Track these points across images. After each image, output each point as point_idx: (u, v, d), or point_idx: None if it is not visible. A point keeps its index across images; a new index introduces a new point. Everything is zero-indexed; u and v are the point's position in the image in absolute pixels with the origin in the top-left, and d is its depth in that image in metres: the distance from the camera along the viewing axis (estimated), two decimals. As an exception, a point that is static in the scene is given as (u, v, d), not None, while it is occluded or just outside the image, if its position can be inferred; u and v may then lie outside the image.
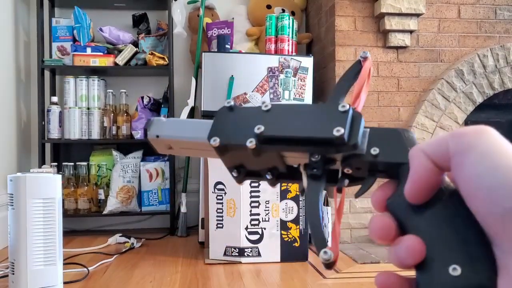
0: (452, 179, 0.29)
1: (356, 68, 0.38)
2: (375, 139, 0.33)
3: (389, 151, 0.33)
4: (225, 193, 2.15)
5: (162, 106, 2.90)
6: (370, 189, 0.35)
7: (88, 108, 2.81)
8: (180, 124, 0.40)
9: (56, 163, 2.76)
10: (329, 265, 0.30)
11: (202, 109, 2.48)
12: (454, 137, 0.27)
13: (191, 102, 2.70)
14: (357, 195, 0.35)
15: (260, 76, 2.48)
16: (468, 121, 2.73)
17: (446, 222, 0.28)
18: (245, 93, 2.48)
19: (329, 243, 0.31)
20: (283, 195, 2.17)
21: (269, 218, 2.16)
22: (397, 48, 2.59)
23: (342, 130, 0.32)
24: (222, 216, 2.15)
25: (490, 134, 0.27)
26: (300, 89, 2.53)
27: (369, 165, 0.34)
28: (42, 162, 2.74)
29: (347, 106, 0.34)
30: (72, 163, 2.75)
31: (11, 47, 2.72)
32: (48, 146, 2.85)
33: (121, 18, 2.99)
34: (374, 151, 0.33)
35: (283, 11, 2.91)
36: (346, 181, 0.35)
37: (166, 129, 0.40)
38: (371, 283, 1.84)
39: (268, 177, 0.37)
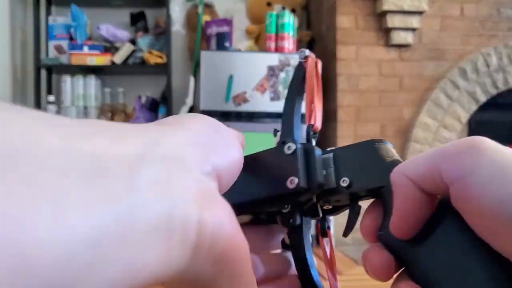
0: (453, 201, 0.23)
1: (299, 74, 0.32)
2: (342, 164, 0.27)
3: (364, 176, 0.27)
4: (224, 194, 2.12)
5: (160, 105, 2.87)
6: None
7: (85, 107, 2.78)
8: None
9: (52, 163, 2.73)
10: None
11: (201, 109, 2.44)
12: (446, 159, 0.22)
13: (189, 101, 2.67)
14: (345, 234, 0.31)
15: (260, 74, 2.45)
16: (471, 121, 2.70)
17: (451, 253, 0.22)
18: (245, 92, 2.44)
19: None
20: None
21: (269, 219, 2.13)
22: (399, 46, 2.56)
23: (296, 180, 0.26)
24: (221, 218, 2.12)
25: (489, 147, 0.21)
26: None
27: (347, 195, 0.28)
28: (38, 162, 2.71)
29: (293, 146, 0.28)
30: (69, 163, 2.72)
31: (7, 45, 2.69)
32: (44, 146, 2.82)
33: (119, 16, 2.96)
34: (344, 182, 0.27)
35: (284, 8, 2.87)
36: (330, 220, 0.31)
37: None
38: (372, 285, 1.80)
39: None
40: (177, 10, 2.78)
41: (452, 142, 0.22)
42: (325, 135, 2.64)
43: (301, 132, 0.30)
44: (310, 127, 0.31)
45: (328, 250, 0.32)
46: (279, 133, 0.30)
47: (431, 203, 0.23)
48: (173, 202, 0.17)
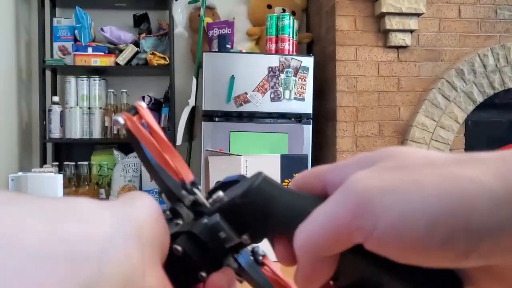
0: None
1: (131, 138, 0.28)
2: (236, 221, 0.26)
3: (261, 228, 0.27)
4: (225, 193, 2.15)
5: (163, 105, 2.90)
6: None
7: (89, 108, 2.82)
8: None
9: (57, 163, 2.77)
10: None
11: (203, 109, 2.48)
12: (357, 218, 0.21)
13: (192, 102, 2.70)
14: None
15: (261, 75, 2.49)
16: (468, 121, 2.73)
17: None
18: (246, 93, 2.48)
19: None
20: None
21: (269, 217, 2.16)
22: (397, 47, 2.60)
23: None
24: (222, 216, 2.15)
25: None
26: (301, 88, 2.53)
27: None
28: (43, 162, 2.75)
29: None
30: (73, 163, 2.75)
31: (12, 47, 2.73)
32: (49, 146, 2.86)
33: (122, 18, 3.00)
34: (245, 239, 0.27)
35: (284, 10, 2.91)
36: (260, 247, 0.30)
37: None
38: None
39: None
40: (180, 12, 2.82)
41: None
42: (325, 135, 2.68)
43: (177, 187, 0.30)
44: (183, 183, 0.29)
45: (276, 272, 0.30)
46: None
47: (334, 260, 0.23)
48: (130, 273, 0.21)
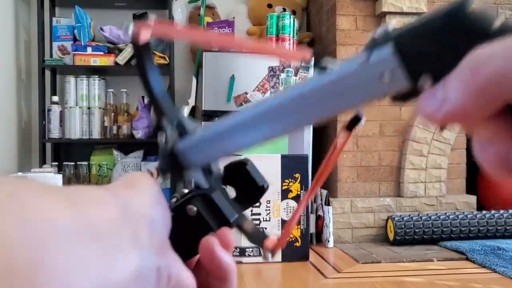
0: None
1: (139, 58, 0.36)
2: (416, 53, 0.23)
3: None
4: (226, 193, 2.15)
5: (163, 105, 2.89)
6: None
7: (89, 108, 2.81)
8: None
9: (56, 163, 2.76)
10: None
11: (203, 109, 2.47)
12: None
13: (192, 102, 2.70)
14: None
15: (261, 75, 2.48)
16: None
17: None
18: (246, 93, 2.47)
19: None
20: (284, 195, 2.16)
21: (270, 218, 2.16)
22: (398, 47, 2.58)
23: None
24: (223, 216, 2.15)
25: None
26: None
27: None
28: (42, 162, 2.74)
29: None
30: (73, 163, 2.75)
31: (11, 46, 2.72)
32: (48, 146, 2.85)
33: (122, 18, 2.99)
34: (423, 84, 0.23)
35: (284, 10, 2.91)
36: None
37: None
38: (372, 283, 1.83)
39: None
40: (180, 12, 2.81)
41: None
42: (325, 135, 2.67)
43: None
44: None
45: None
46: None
47: None
48: (141, 254, 0.23)
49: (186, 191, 0.32)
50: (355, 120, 0.30)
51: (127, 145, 2.91)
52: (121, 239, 0.23)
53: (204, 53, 2.49)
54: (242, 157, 0.33)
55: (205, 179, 0.33)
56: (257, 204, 2.14)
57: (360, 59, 0.24)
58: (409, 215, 2.41)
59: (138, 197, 0.26)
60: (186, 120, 0.34)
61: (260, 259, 2.13)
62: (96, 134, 2.80)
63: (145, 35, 0.31)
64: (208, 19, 2.87)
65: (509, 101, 0.20)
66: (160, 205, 0.28)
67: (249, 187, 0.34)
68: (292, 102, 0.29)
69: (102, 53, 2.78)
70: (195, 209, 0.31)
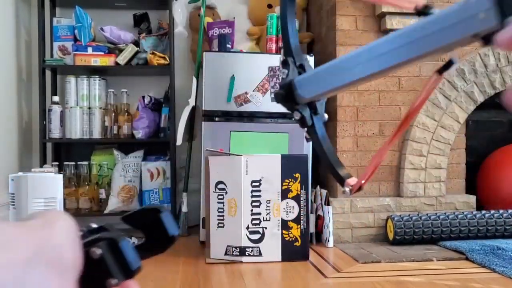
0: None
1: None
2: None
3: None
4: (226, 193, 2.15)
5: (163, 105, 2.90)
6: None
7: (89, 108, 2.82)
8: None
9: (57, 163, 2.76)
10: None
11: (203, 109, 2.48)
12: None
13: (192, 102, 2.70)
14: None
15: (261, 75, 2.48)
16: (469, 121, 2.73)
17: None
18: (246, 93, 2.48)
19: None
20: (284, 195, 2.17)
21: (270, 217, 2.16)
22: (398, 47, 2.59)
23: None
24: (223, 216, 2.15)
25: None
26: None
27: None
28: (43, 162, 2.74)
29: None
30: (73, 163, 2.75)
31: (12, 46, 2.72)
32: (49, 146, 2.86)
33: (122, 18, 3.00)
34: None
35: (284, 10, 2.91)
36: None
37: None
38: (372, 282, 1.84)
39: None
40: (180, 12, 2.82)
41: None
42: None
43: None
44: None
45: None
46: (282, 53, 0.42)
47: None
48: None
49: (94, 225, 0.33)
50: (448, 64, 0.37)
51: (127, 145, 2.91)
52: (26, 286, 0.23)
53: (204, 53, 2.50)
54: (158, 205, 0.34)
55: (310, 116, 0.41)
56: (257, 204, 2.15)
57: (461, 1, 0.31)
58: (409, 215, 2.42)
59: (53, 237, 0.26)
60: (308, 65, 0.42)
61: (260, 258, 2.14)
62: (96, 134, 2.81)
63: None
64: (208, 19, 2.88)
65: None
66: (74, 247, 0.28)
67: (160, 236, 0.34)
68: (399, 37, 0.35)
69: (102, 53, 2.78)
70: (98, 252, 0.30)
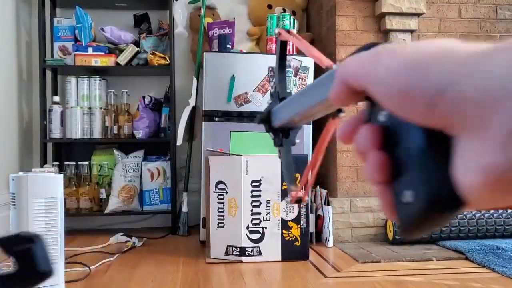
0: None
1: (279, 50, 0.61)
2: None
3: None
4: (226, 193, 2.16)
5: (164, 105, 2.90)
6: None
7: (90, 108, 2.82)
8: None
9: (57, 163, 2.77)
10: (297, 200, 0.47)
11: (203, 109, 2.48)
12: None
13: (192, 102, 2.70)
14: None
15: (261, 75, 2.49)
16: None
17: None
18: (246, 93, 2.48)
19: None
20: (284, 195, 2.17)
21: (270, 217, 2.17)
22: (398, 47, 2.59)
23: None
24: (223, 216, 2.16)
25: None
26: (301, 88, 2.53)
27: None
28: (43, 162, 2.75)
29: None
30: (74, 163, 2.76)
31: (13, 47, 2.73)
32: (49, 146, 2.86)
33: (123, 18, 3.00)
34: None
35: (284, 10, 2.92)
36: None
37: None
38: (372, 282, 1.84)
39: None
40: (180, 12, 2.82)
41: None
42: (325, 135, 2.68)
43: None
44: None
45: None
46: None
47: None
48: None
49: None
50: (339, 110, 0.47)
51: (128, 145, 2.92)
52: None
53: (204, 53, 2.50)
54: (34, 234, 0.30)
55: (280, 139, 0.54)
56: (257, 204, 2.15)
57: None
58: (409, 215, 2.42)
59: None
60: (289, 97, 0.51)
61: (260, 258, 2.15)
62: (97, 134, 2.81)
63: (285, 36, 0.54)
64: (208, 19, 2.88)
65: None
66: None
67: (30, 269, 0.30)
68: (299, 93, 0.47)
69: (103, 53, 2.79)
70: None
